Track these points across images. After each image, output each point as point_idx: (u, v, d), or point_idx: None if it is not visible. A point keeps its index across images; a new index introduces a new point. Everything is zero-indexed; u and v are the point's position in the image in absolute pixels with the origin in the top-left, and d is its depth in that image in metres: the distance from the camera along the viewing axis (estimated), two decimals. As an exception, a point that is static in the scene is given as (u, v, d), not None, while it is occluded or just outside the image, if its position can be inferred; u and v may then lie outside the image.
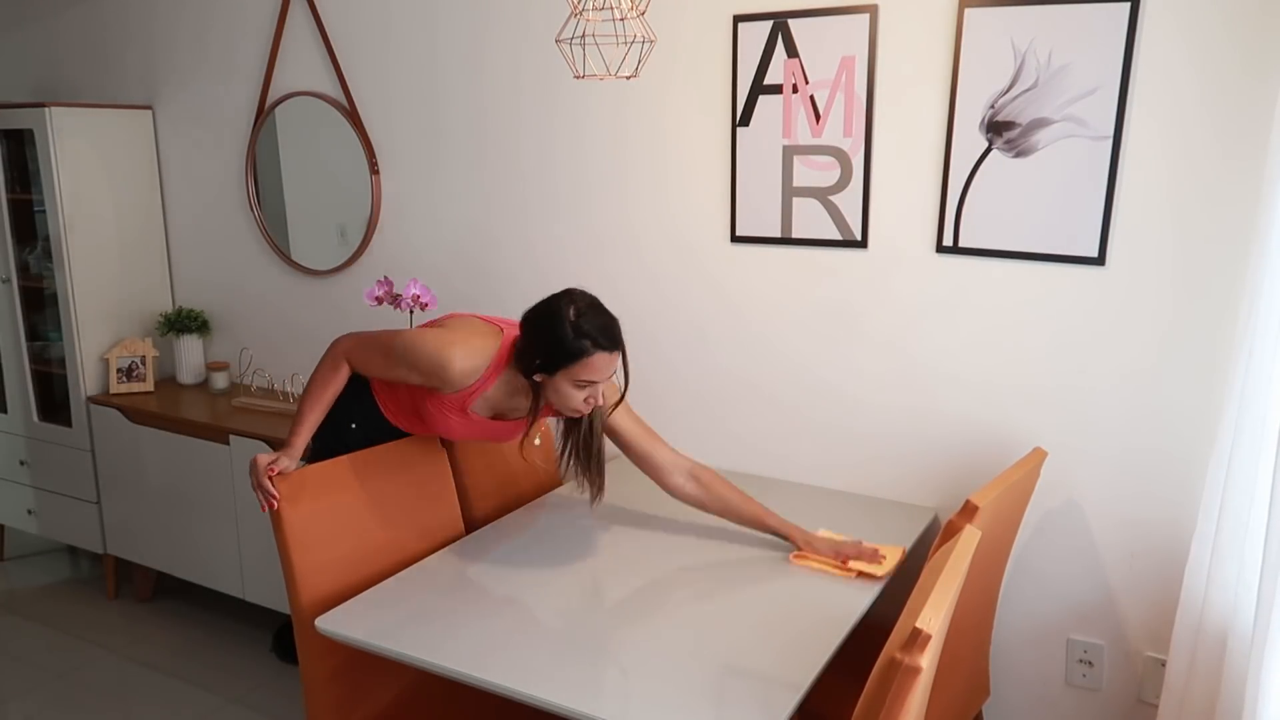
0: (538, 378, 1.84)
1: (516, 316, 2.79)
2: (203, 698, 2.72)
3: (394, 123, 2.87)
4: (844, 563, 1.90)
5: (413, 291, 2.63)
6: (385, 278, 2.70)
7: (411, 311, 2.66)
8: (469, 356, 1.87)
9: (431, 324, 2.08)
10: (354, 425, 2.08)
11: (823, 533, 2.02)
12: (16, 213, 3.28)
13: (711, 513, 2.07)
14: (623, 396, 1.99)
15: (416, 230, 2.91)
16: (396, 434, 2.12)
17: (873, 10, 2.13)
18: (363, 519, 1.99)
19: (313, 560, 1.86)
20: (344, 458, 2.03)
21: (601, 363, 1.81)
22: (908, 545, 2.03)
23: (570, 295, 1.87)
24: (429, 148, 2.83)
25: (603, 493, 2.03)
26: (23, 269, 3.32)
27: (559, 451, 2.05)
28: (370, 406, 2.08)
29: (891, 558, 1.92)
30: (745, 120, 2.33)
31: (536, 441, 2.37)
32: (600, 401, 1.88)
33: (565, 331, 1.79)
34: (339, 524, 1.94)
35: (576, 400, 1.85)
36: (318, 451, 2.08)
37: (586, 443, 1.98)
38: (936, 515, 2.24)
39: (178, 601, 3.29)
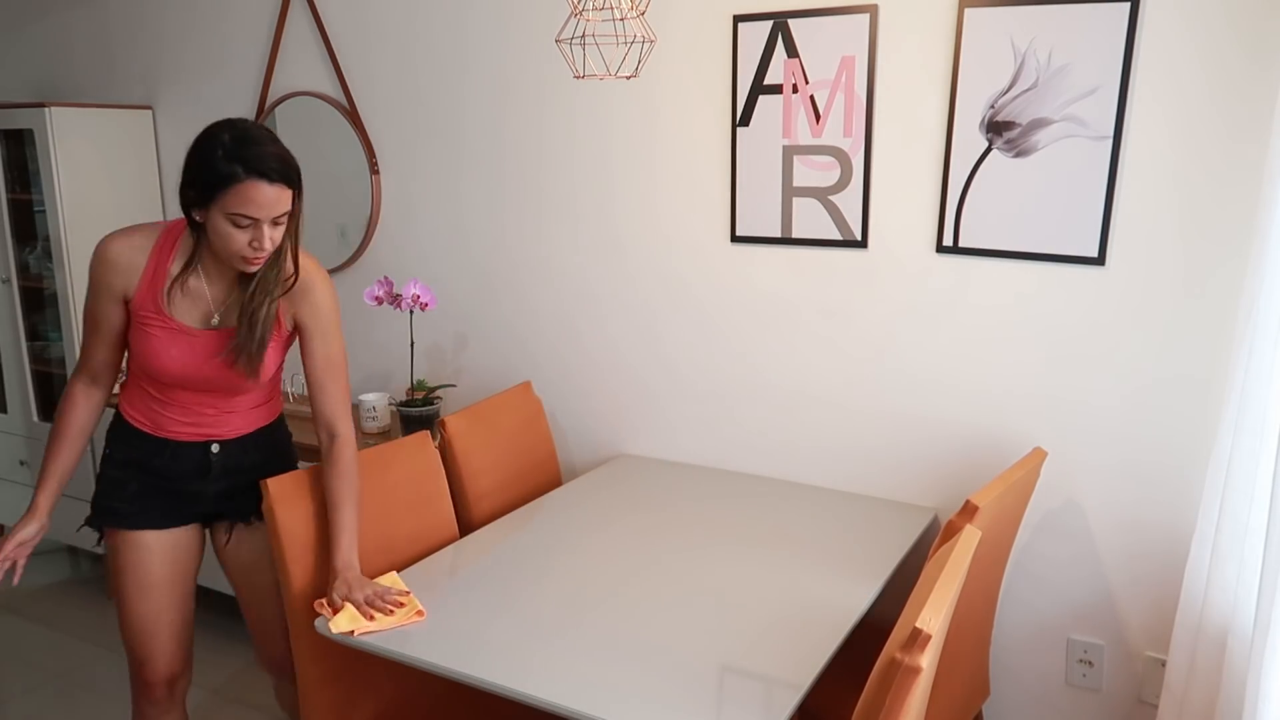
0: (197, 216, 1.65)
1: (518, 319, 2.78)
2: (203, 697, 2.72)
3: (394, 123, 2.87)
4: (369, 618, 1.67)
5: (413, 291, 2.63)
6: (385, 278, 2.70)
7: (412, 311, 2.66)
8: (126, 233, 1.74)
9: None
10: (109, 450, 1.89)
11: (388, 577, 1.82)
12: (16, 213, 3.28)
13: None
14: (295, 279, 1.77)
15: (416, 230, 2.91)
16: (147, 440, 1.85)
17: (873, 10, 2.13)
18: (360, 520, 1.99)
19: (308, 562, 1.86)
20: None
21: (258, 193, 1.59)
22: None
23: (231, 120, 1.66)
24: (429, 148, 2.83)
25: (255, 372, 1.79)
26: (23, 269, 3.32)
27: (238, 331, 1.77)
28: (117, 425, 1.89)
29: (406, 612, 1.70)
30: (745, 120, 2.33)
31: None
32: (267, 246, 1.65)
33: (216, 154, 1.59)
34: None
35: (239, 242, 1.63)
36: (98, 498, 1.88)
37: (250, 300, 1.74)
38: (936, 515, 2.24)
39: (178, 601, 3.29)
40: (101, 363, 1.81)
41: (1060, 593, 2.17)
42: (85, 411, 1.83)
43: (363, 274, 3.01)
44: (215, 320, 1.77)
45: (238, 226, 1.62)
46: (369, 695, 1.93)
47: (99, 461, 1.90)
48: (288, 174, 1.64)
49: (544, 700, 1.47)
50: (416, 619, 1.69)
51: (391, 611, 1.69)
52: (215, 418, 1.87)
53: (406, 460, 2.11)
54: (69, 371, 3.24)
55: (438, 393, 2.80)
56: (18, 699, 2.74)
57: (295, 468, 1.98)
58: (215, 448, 1.88)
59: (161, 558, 1.87)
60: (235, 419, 1.89)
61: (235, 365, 1.77)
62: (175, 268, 1.73)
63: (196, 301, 1.76)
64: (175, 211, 3.41)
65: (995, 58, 2.02)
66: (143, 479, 1.86)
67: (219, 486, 1.90)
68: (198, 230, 1.69)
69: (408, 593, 1.75)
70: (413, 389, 2.72)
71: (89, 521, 1.91)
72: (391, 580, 1.82)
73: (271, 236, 1.65)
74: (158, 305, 1.73)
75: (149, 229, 1.77)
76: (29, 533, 1.79)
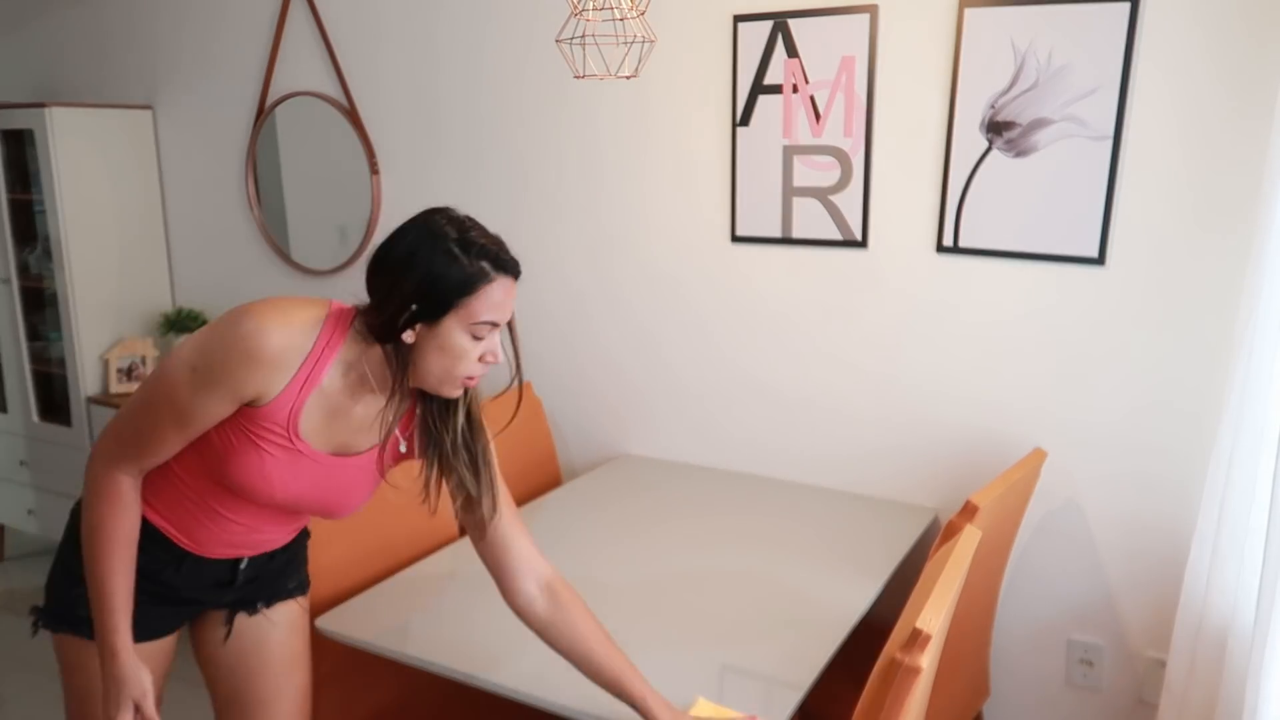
0: (409, 336, 1.28)
1: (518, 318, 2.78)
2: (202, 697, 2.72)
3: (394, 123, 2.87)
4: None
5: None
6: None
7: None
8: (286, 320, 1.30)
9: None
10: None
11: (700, 706, 1.45)
12: (16, 213, 3.28)
13: (556, 647, 1.44)
14: (514, 415, 1.50)
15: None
16: (164, 549, 1.44)
17: (873, 10, 2.13)
18: (359, 521, 1.99)
19: (310, 562, 1.86)
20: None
21: (503, 293, 1.29)
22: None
23: (442, 211, 1.32)
24: (429, 148, 2.83)
25: (498, 509, 1.44)
26: (23, 269, 3.32)
27: (423, 466, 1.43)
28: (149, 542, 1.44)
29: None
30: (745, 120, 2.33)
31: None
32: (499, 358, 1.33)
33: (454, 252, 1.26)
34: (335, 526, 1.94)
35: (471, 358, 1.29)
36: (71, 603, 1.45)
37: (466, 438, 1.42)
38: (936, 515, 2.24)
39: (178, 601, 3.28)
40: (163, 458, 1.36)
41: (1060, 593, 2.17)
42: (136, 514, 1.37)
43: (362, 274, 3.00)
44: (363, 445, 1.41)
45: (475, 338, 1.29)
46: (370, 695, 1.94)
47: (65, 559, 1.48)
48: (519, 267, 1.33)
49: (544, 700, 1.47)
50: None
51: None
52: (270, 538, 1.52)
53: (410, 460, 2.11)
54: (69, 371, 3.24)
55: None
56: (18, 699, 2.74)
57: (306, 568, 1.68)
58: (244, 564, 1.51)
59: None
60: (287, 536, 1.56)
61: (469, 515, 1.44)
62: (330, 383, 1.33)
63: (336, 421, 1.37)
64: (174, 211, 3.42)
65: (995, 58, 2.02)
66: (144, 585, 1.42)
67: (233, 595, 1.55)
68: (390, 345, 1.31)
69: None
70: None
71: (45, 621, 1.50)
72: (712, 711, 1.45)
73: (497, 350, 1.33)
74: (292, 427, 1.33)
75: (312, 315, 1.33)
76: (138, 688, 1.36)
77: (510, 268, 1.30)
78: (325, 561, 1.88)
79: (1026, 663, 2.24)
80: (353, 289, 3.07)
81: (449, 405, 1.40)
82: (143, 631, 1.43)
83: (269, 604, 1.58)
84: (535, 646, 1.62)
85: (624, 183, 2.54)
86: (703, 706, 1.45)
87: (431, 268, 1.26)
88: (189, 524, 1.43)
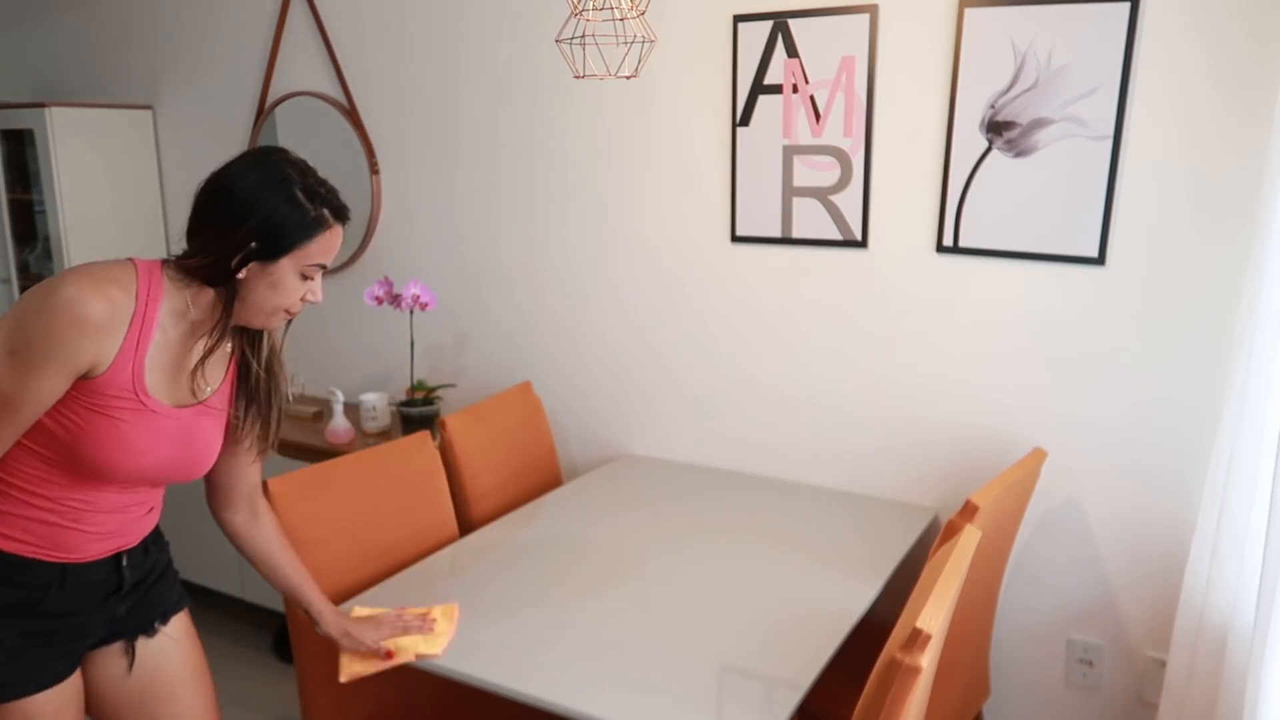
0: (243, 274, 1.30)
1: (518, 319, 2.77)
2: None
3: (394, 123, 2.87)
4: (387, 655, 1.58)
5: (413, 291, 2.63)
6: (385, 278, 2.71)
7: (411, 311, 2.66)
8: (103, 281, 1.26)
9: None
10: None
11: (358, 611, 1.67)
12: (16, 213, 3.28)
13: (246, 553, 1.60)
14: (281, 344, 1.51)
15: (416, 230, 2.91)
16: (32, 571, 1.34)
17: (873, 10, 2.13)
18: (358, 520, 1.99)
19: (309, 562, 1.86)
20: (339, 460, 2.00)
21: (336, 239, 1.38)
22: (454, 603, 1.71)
23: (278, 151, 1.36)
24: (429, 148, 2.83)
25: (274, 446, 1.54)
26: (23, 269, 3.32)
27: (235, 396, 1.47)
28: None
29: (444, 622, 1.62)
30: (745, 120, 2.33)
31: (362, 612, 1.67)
32: (319, 297, 1.41)
33: (299, 198, 1.31)
34: (334, 525, 1.94)
35: (297, 295, 1.36)
36: None
37: (272, 366, 1.49)
38: (936, 515, 2.24)
39: (178, 601, 3.29)
40: None
41: (1060, 593, 2.17)
42: None
43: (363, 274, 3.01)
44: (206, 391, 1.41)
45: (305, 279, 1.37)
46: (369, 695, 1.93)
47: None
48: (349, 212, 1.42)
49: (544, 700, 1.47)
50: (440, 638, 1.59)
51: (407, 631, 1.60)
52: (138, 519, 1.45)
53: (406, 460, 2.11)
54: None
55: (438, 393, 2.80)
56: None
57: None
58: (125, 561, 1.44)
59: None
60: (153, 516, 1.49)
61: (241, 444, 1.50)
62: (164, 333, 1.33)
63: (177, 373, 1.37)
64: (174, 211, 3.42)
65: (995, 58, 2.02)
66: (23, 627, 1.33)
67: (124, 606, 1.46)
68: (214, 284, 1.34)
69: (425, 612, 1.64)
70: (412, 389, 2.72)
71: None
72: (369, 611, 1.67)
73: (319, 291, 1.42)
74: (138, 385, 1.30)
75: (124, 273, 1.30)
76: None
77: (345, 215, 1.39)
78: (325, 562, 1.88)
79: (1026, 663, 2.24)
80: (355, 288, 3.08)
81: (260, 336, 1.46)
82: (40, 680, 1.35)
83: (164, 620, 1.53)
84: (535, 646, 1.62)
85: (624, 182, 2.54)
86: (359, 611, 1.67)
87: (277, 210, 1.29)
88: (50, 533, 1.34)
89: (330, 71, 2.93)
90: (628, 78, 2.14)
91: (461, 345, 2.91)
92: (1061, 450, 2.11)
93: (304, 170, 1.35)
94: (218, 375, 1.43)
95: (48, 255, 3.22)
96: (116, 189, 3.29)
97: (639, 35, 2.05)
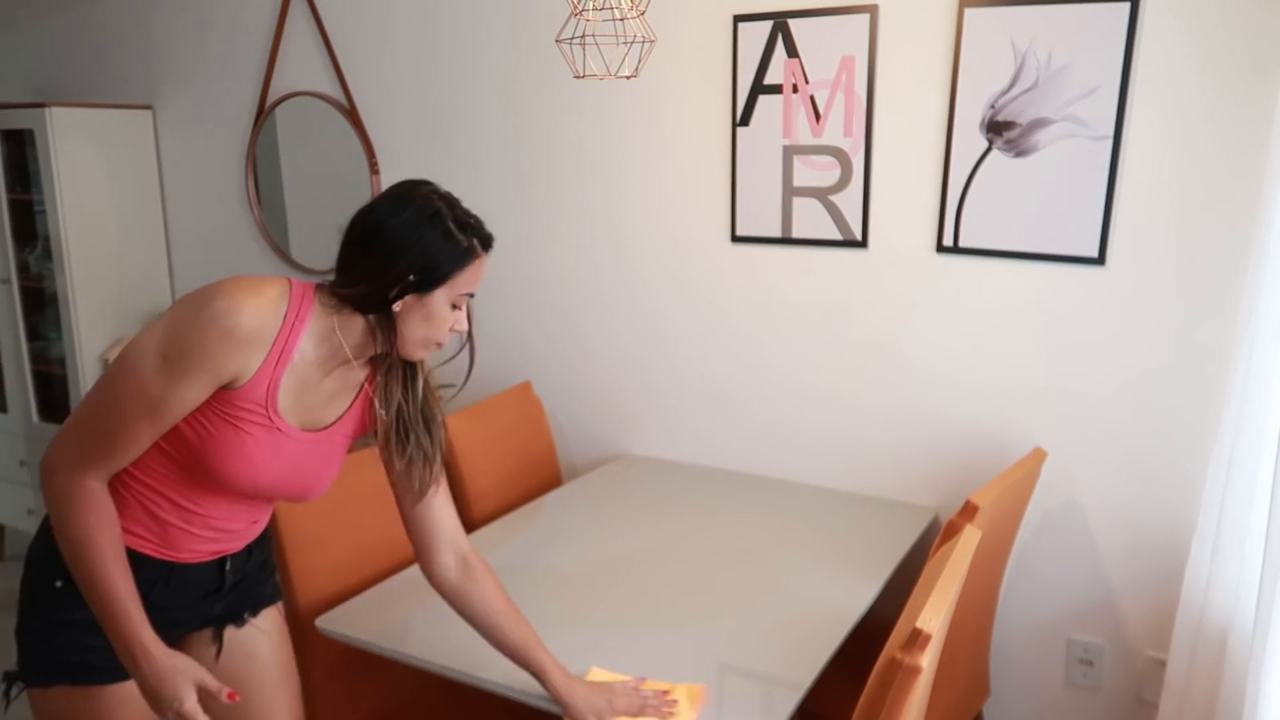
0: (398, 306, 1.33)
1: (517, 319, 2.77)
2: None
3: (394, 123, 2.87)
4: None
5: None
6: None
7: None
8: (257, 295, 1.29)
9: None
10: (63, 585, 1.34)
11: (595, 674, 1.52)
12: (16, 213, 3.28)
13: (465, 615, 1.52)
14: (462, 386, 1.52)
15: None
16: (144, 566, 1.37)
17: (873, 10, 2.13)
18: (358, 520, 1.99)
19: (309, 562, 1.86)
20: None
21: (483, 267, 1.41)
22: (704, 684, 1.52)
23: (426, 184, 1.38)
24: (429, 148, 2.83)
25: (437, 477, 1.51)
26: (23, 269, 3.32)
27: (385, 430, 1.45)
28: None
29: (687, 706, 1.44)
30: (745, 120, 2.33)
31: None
32: (464, 327, 1.44)
33: (451, 231, 1.33)
34: (335, 525, 1.94)
35: (448, 325, 1.40)
36: (54, 654, 1.37)
37: (426, 403, 1.49)
38: (936, 515, 2.24)
39: (178, 601, 3.28)
40: (131, 457, 1.30)
41: (1060, 593, 2.17)
42: (116, 518, 1.31)
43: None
44: (328, 419, 1.42)
45: (455, 307, 1.39)
46: (370, 695, 1.94)
47: (37, 602, 1.37)
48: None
49: (544, 700, 1.46)
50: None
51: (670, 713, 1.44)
52: (245, 530, 1.49)
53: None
54: (69, 371, 3.24)
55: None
56: (18, 698, 2.73)
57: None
58: (228, 564, 1.48)
59: (138, 713, 1.38)
60: (258, 527, 1.53)
61: (412, 484, 1.49)
62: (304, 355, 1.34)
63: (309, 396, 1.38)
64: (174, 211, 3.42)
65: (995, 58, 2.02)
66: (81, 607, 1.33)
67: (220, 605, 1.51)
68: (366, 313, 1.35)
69: (666, 692, 1.48)
70: None
71: (33, 679, 1.37)
72: (606, 676, 1.53)
73: (464, 318, 1.43)
74: (270, 403, 1.32)
75: (278, 289, 1.32)
76: (195, 665, 1.31)
77: (490, 244, 1.40)
78: (325, 561, 1.88)
79: (1026, 663, 2.24)
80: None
81: (411, 371, 1.46)
82: None
83: (254, 612, 1.55)
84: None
85: (624, 182, 2.54)
86: (596, 674, 1.51)
87: (431, 244, 1.32)
88: (164, 531, 1.37)
89: (330, 71, 2.93)
90: (628, 78, 2.14)
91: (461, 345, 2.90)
92: (1061, 450, 2.10)
93: (452, 203, 1.37)
94: (343, 404, 1.44)
95: (48, 255, 3.22)
96: (116, 189, 3.29)
97: (639, 35, 2.05)
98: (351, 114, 2.92)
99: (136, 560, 1.34)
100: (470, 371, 1.52)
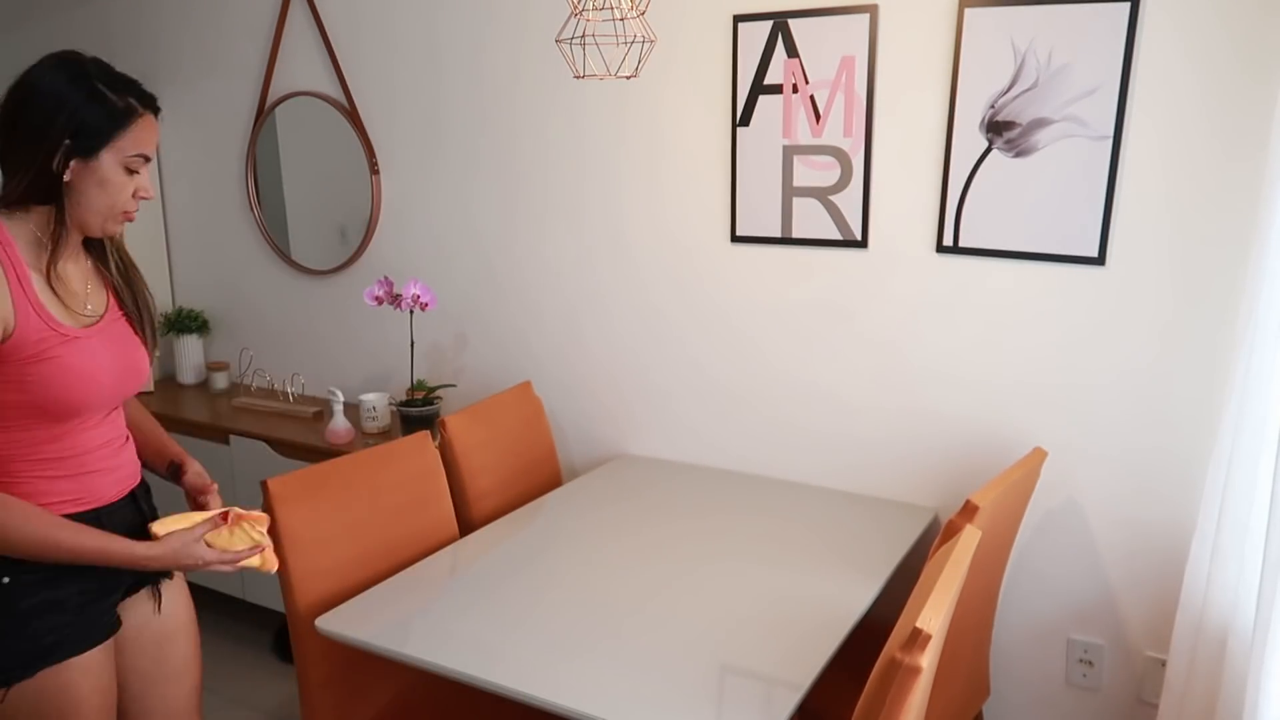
0: (68, 176, 1.32)
1: (517, 318, 2.77)
2: (203, 697, 2.72)
3: (394, 123, 2.87)
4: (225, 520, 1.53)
5: (413, 291, 2.63)
6: (385, 278, 2.71)
7: (412, 311, 2.66)
8: None
9: None
10: (9, 580, 1.37)
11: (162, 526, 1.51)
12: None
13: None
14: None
15: (416, 230, 2.91)
16: (84, 568, 1.41)
17: (873, 10, 2.13)
18: (358, 520, 1.99)
19: (308, 563, 1.86)
20: (339, 460, 2.01)
21: (150, 129, 1.41)
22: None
23: (73, 54, 1.38)
24: (429, 148, 2.83)
25: (156, 350, 1.58)
26: (23, 269, 3.32)
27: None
28: None
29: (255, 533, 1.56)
30: (745, 120, 2.33)
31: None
32: (151, 193, 1.44)
33: (102, 91, 1.34)
34: (334, 526, 1.94)
35: (128, 192, 1.39)
36: (20, 645, 1.38)
37: (126, 275, 1.51)
38: (936, 515, 2.24)
39: (178, 601, 3.29)
40: None
41: (1060, 593, 2.17)
42: (13, 498, 1.35)
43: (362, 274, 3.01)
44: (89, 309, 1.45)
45: (131, 173, 1.39)
46: (370, 696, 1.94)
47: None
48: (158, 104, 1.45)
49: (545, 700, 1.47)
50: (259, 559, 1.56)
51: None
52: (124, 448, 1.54)
53: (406, 460, 2.12)
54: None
55: (438, 393, 2.80)
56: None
57: None
58: (139, 497, 1.56)
59: (101, 680, 1.45)
60: (131, 445, 1.58)
61: (146, 349, 1.53)
62: (35, 264, 1.36)
63: (69, 300, 1.40)
64: (174, 211, 3.42)
65: (995, 58, 2.02)
66: (80, 585, 1.42)
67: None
68: (47, 200, 1.35)
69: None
70: (413, 389, 2.72)
71: (13, 674, 1.37)
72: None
73: (149, 186, 1.44)
74: (47, 320, 1.35)
75: None
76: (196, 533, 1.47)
77: (153, 103, 1.43)
78: (325, 561, 1.89)
79: (1026, 663, 2.24)
80: (355, 288, 3.09)
81: (104, 248, 1.49)
82: (94, 635, 1.44)
83: (170, 574, 1.64)
84: (536, 646, 1.62)
85: (623, 182, 2.54)
86: (164, 526, 1.50)
87: (82, 105, 1.32)
88: (70, 485, 1.42)
89: (330, 71, 2.93)
90: (628, 78, 2.14)
91: (461, 345, 2.91)
92: (1061, 450, 2.11)
93: (103, 66, 1.38)
94: (101, 294, 1.48)
95: (48, 255, 3.22)
96: (116, 189, 3.28)
97: (639, 35, 2.05)
98: (351, 114, 2.92)
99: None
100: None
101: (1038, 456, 2.00)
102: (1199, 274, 1.92)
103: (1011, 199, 2.06)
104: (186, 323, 3.32)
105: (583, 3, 1.79)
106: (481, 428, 2.38)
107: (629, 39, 2.04)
